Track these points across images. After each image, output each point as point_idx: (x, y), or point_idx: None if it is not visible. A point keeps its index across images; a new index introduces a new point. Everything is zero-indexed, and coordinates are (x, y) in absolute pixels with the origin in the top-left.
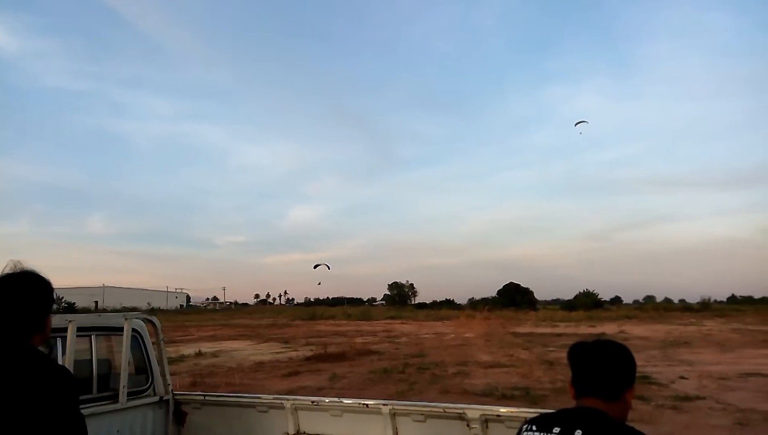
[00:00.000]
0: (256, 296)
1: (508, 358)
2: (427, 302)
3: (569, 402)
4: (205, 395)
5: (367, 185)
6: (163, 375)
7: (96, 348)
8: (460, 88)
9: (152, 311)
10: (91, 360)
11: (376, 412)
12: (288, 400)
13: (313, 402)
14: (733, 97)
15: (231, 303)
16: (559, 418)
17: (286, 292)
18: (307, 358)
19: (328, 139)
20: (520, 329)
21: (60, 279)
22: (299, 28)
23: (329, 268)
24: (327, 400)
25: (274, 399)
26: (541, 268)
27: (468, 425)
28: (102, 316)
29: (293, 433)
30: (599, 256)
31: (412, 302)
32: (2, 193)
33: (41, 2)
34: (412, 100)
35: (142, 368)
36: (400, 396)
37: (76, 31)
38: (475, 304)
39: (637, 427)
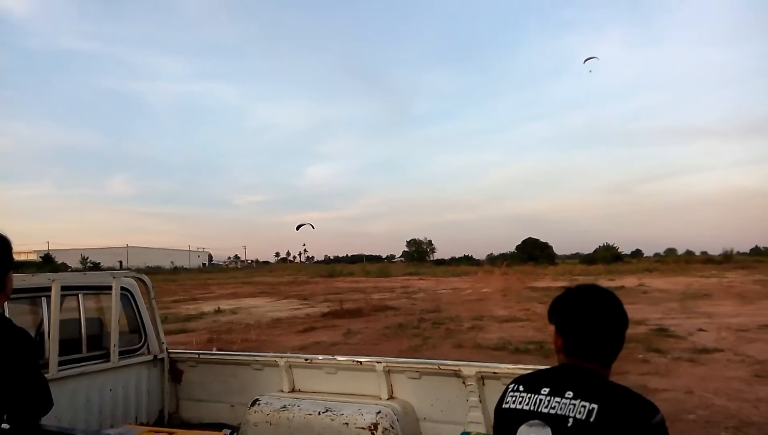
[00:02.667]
0: (277, 254)
1: (524, 312)
2: (446, 259)
3: None
4: (199, 353)
5: (383, 142)
6: (156, 334)
7: (85, 307)
8: (475, 39)
9: (175, 270)
10: (80, 319)
11: (370, 369)
12: (282, 358)
13: (306, 360)
14: (756, 42)
15: (252, 261)
16: (549, 376)
17: (305, 250)
18: (324, 315)
19: (343, 97)
20: (538, 284)
21: (85, 240)
22: None
23: (313, 228)
24: (321, 358)
25: (268, 357)
26: (561, 222)
27: (464, 382)
28: (88, 275)
29: (288, 390)
30: (619, 209)
31: (431, 259)
32: (24, 156)
33: None
34: (428, 54)
35: (134, 327)
36: (413, 351)
37: None
38: (493, 260)
39: (653, 380)
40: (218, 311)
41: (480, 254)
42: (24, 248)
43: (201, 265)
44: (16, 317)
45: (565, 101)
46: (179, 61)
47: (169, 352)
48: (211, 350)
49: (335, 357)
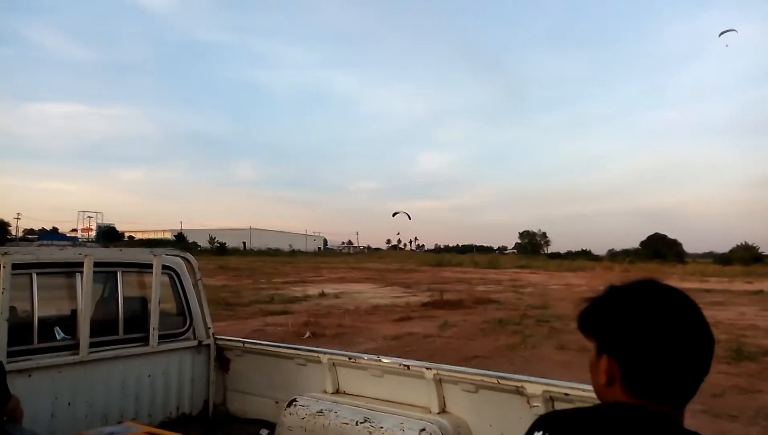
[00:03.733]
0: (388, 241)
1: None
2: (561, 252)
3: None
4: (244, 342)
5: (499, 130)
6: (203, 318)
7: (124, 285)
8: (599, 19)
9: (292, 253)
10: (117, 298)
11: (419, 375)
12: (325, 354)
13: (350, 358)
14: None
15: (364, 247)
16: (597, 421)
17: (416, 238)
18: (424, 304)
19: (459, 84)
20: None
21: (213, 221)
22: None
23: (410, 218)
24: (365, 358)
25: (311, 352)
26: (691, 218)
27: (528, 402)
28: (125, 252)
29: (331, 390)
30: (761, 205)
31: (545, 252)
32: (164, 140)
33: None
34: (548, 36)
35: (179, 310)
36: (510, 349)
37: None
38: (614, 256)
39: None
40: (322, 295)
41: (599, 249)
42: (159, 227)
43: (316, 249)
44: (48, 292)
45: (700, 87)
46: (301, 49)
47: (216, 338)
48: (305, 334)
49: (380, 358)
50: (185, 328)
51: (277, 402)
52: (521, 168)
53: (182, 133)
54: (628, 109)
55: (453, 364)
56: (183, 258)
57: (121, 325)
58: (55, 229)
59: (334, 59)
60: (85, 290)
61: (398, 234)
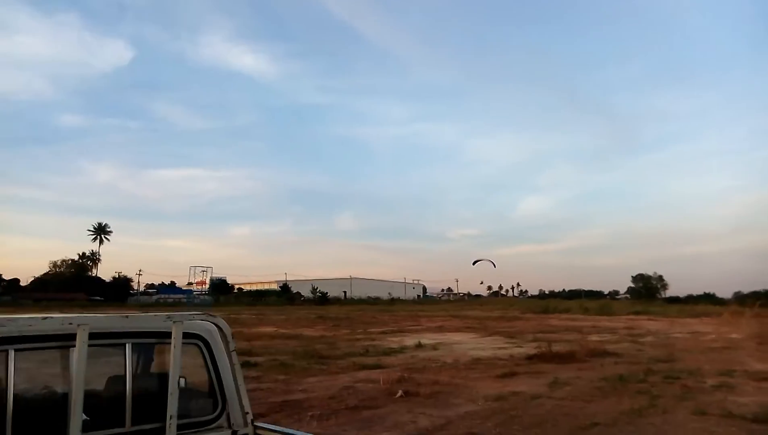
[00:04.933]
0: (489, 288)
1: None
2: (681, 296)
3: None
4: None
5: (604, 170)
6: (239, 399)
7: (135, 361)
8: (708, 55)
9: (392, 301)
10: (124, 378)
11: None
12: None
13: None
14: None
15: (464, 294)
16: None
17: (518, 284)
18: (529, 357)
19: (560, 126)
20: None
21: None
22: (521, 13)
23: (494, 266)
24: None
25: None
26: None
27: None
28: (132, 319)
29: None
30: None
31: (662, 296)
32: (270, 198)
33: (291, 30)
34: (653, 74)
35: (208, 391)
36: (636, 414)
37: (319, 51)
38: (742, 299)
39: None
40: (419, 346)
41: (724, 292)
42: (266, 279)
43: (416, 296)
44: (31, 373)
45: None
46: (399, 105)
47: (255, 426)
48: (397, 393)
49: None
50: (216, 413)
51: None
52: (633, 208)
53: (288, 189)
54: (746, 142)
55: (562, 434)
56: (214, 323)
57: (129, 414)
58: (172, 283)
59: (433, 112)
60: (76, 369)
61: (481, 283)
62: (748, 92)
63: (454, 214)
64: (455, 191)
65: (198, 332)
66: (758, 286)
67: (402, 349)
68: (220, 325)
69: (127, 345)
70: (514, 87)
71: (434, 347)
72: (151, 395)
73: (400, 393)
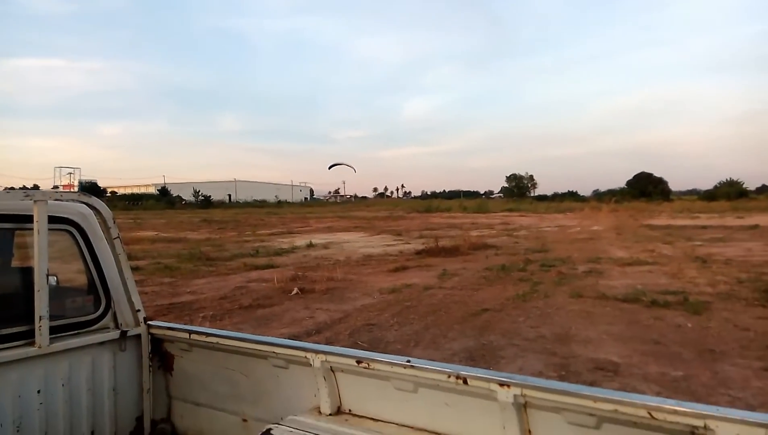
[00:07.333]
0: (375, 189)
1: (648, 253)
2: (548, 194)
3: (739, 310)
4: (190, 332)
5: (484, 74)
6: (127, 295)
7: None
8: None
9: (279, 203)
10: None
11: (486, 395)
12: (317, 353)
13: (359, 362)
14: None
15: (351, 196)
16: None
17: (402, 186)
18: (418, 252)
19: (445, 27)
20: (655, 221)
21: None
22: None
23: (355, 171)
24: (384, 360)
25: (295, 349)
26: (675, 156)
27: None
28: None
29: (330, 410)
30: (745, 141)
31: (532, 195)
32: (143, 94)
33: None
34: None
35: (87, 286)
36: (521, 300)
37: None
38: (600, 196)
39: None
40: (310, 246)
41: (585, 190)
42: (142, 182)
43: (303, 199)
44: None
45: (684, 25)
46: None
47: (150, 326)
48: (292, 291)
49: (411, 362)
50: (99, 312)
51: (245, 420)
52: (508, 112)
53: (162, 85)
54: (613, 50)
55: (456, 321)
56: (88, 205)
57: None
58: (36, 187)
59: (316, 4)
60: None
61: (337, 190)
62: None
63: (340, 115)
64: (341, 92)
65: (68, 216)
66: (613, 185)
67: (293, 249)
68: (98, 207)
69: None
70: None
71: (325, 246)
72: (16, 295)
73: (295, 290)
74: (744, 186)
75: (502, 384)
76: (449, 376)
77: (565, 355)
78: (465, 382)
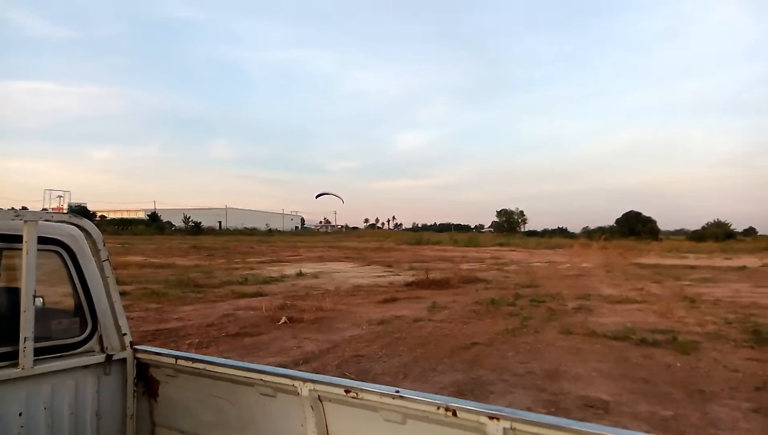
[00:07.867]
0: (366, 220)
1: (638, 292)
2: (538, 230)
3: (728, 351)
4: (177, 357)
5: (477, 110)
6: (115, 319)
7: None
8: (576, 2)
9: (270, 232)
10: None
11: (474, 428)
12: (305, 381)
13: (348, 391)
14: None
15: (342, 226)
16: None
17: (394, 217)
18: (408, 284)
19: (438, 64)
20: (644, 260)
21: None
22: None
23: (343, 202)
24: (374, 390)
25: (283, 377)
26: (664, 196)
27: None
28: None
29: None
30: (732, 183)
31: (522, 230)
32: (136, 120)
33: None
34: (527, 18)
35: (75, 308)
36: (511, 334)
37: None
38: (590, 233)
39: None
40: (300, 274)
41: (575, 227)
42: (132, 207)
43: (294, 228)
44: None
45: (674, 68)
46: (278, 28)
47: (136, 350)
48: (280, 320)
49: (400, 392)
50: (84, 335)
51: None
52: (500, 147)
53: (155, 111)
54: (603, 89)
55: (446, 354)
56: (78, 226)
57: None
58: (24, 209)
59: (313, 38)
60: None
61: (327, 220)
62: (610, 40)
63: (333, 146)
64: (334, 123)
65: (58, 237)
66: (602, 223)
67: (283, 278)
68: (88, 229)
69: None
70: (395, 20)
71: (315, 276)
72: (1, 313)
73: (283, 319)
74: (731, 227)
75: (491, 417)
76: (438, 408)
77: (554, 391)
78: (454, 414)
